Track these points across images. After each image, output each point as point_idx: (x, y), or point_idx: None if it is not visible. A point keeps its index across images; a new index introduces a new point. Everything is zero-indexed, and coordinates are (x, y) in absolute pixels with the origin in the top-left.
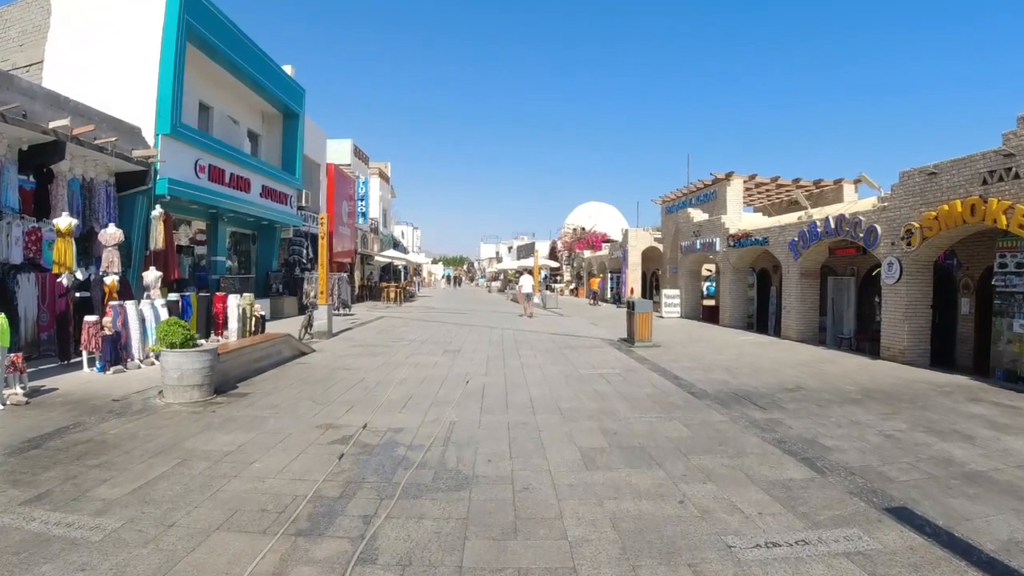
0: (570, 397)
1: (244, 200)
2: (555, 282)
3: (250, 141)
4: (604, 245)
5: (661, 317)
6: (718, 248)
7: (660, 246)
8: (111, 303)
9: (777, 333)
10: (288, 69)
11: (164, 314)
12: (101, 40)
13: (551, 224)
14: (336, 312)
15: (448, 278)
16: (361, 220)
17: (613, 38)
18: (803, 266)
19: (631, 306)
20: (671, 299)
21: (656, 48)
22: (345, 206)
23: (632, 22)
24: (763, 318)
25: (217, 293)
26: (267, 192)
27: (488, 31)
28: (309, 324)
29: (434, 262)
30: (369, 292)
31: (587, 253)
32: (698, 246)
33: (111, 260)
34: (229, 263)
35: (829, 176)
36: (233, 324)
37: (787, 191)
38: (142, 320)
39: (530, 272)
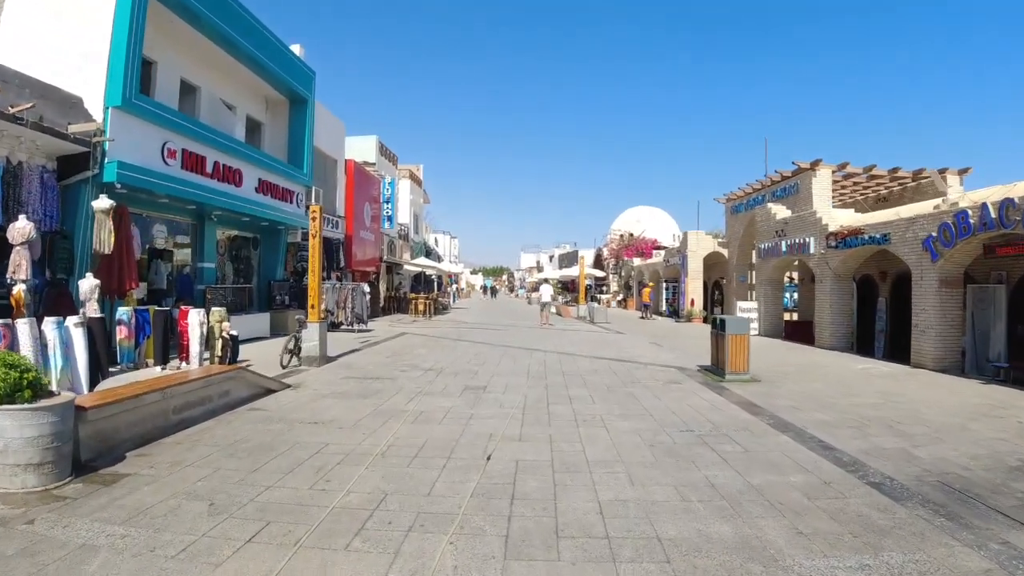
0: (671, 502)
1: (233, 195)
2: (600, 292)
3: (250, 130)
4: (655, 252)
5: None
6: (812, 250)
7: (724, 251)
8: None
9: (891, 356)
10: (296, 49)
11: (77, 337)
12: (54, 7)
13: (594, 231)
14: (349, 328)
15: (485, 288)
16: (387, 224)
17: (660, 41)
18: (944, 271)
19: (719, 325)
20: (747, 313)
21: (701, 47)
22: (368, 209)
23: (680, 25)
24: (865, 337)
25: (183, 307)
26: (265, 187)
27: (530, 38)
28: (296, 348)
29: (473, 272)
30: (396, 304)
31: (636, 261)
32: (783, 248)
33: (18, 263)
34: (224, 271)
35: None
36: (194, 347)
37: (878, 183)
38: (43, 346)
39: (547, 282)
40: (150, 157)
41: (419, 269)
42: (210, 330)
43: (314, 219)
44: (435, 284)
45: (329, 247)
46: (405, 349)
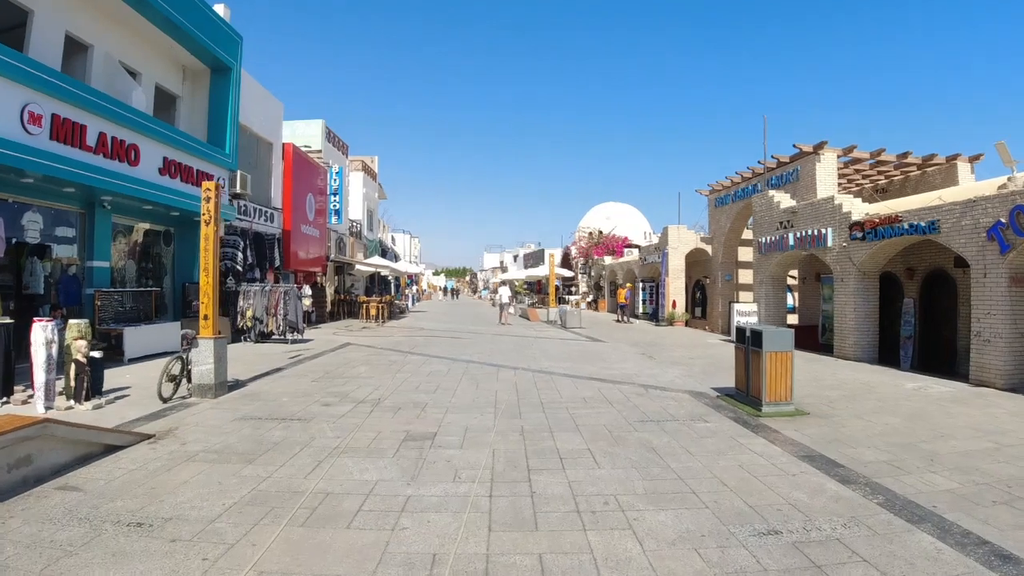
0: None
1: (128, 177)
2: (569, 293)
3: (162, 104)
4: (626, 251)
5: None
6: (831, 242)
7: (708, 248)
8: None
9: (922, 367)
10: (220, 9)
11: None
12: None
13: (561, 229)
14: (281, 339)
15: (446, 290)
16: (335, 220)
17: (625, 26)
18: (1015, 265)
19: (749, 339)
20: (745, 317)
21: (674, 32)
22: (311, 201)
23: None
24: (888, 344)
25: (37, 318)
26: (174, 168)
27: (496, 32)
28: (182, 372)
29: (435, 274)
30: (347, 308)
31: (608, 259)
32: (791, 242)
33: None
34: (124, 271)
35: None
36: (39, 375)
37: (880, 171)
38: None
39: (505, 283)
40: (3, 122)
41: (373, 270)
42: (65, 350)
43: (207, 199)
44: (392, 286)
45: (262, 244)
46: (341, 368)
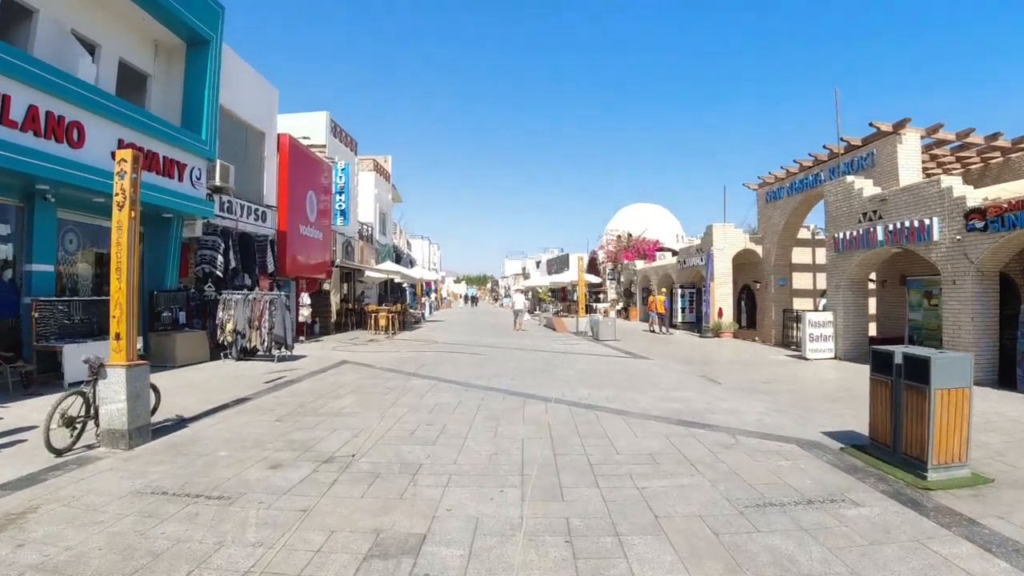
0: None
1: (69, 161)
2: (597, 300)
3: (131, 85)
4: (658, 254)
5: (806, 359)
6: (936, 235)
7: (758, 249)
8: None
9: None
10: None
11: None
12: None
13: (587, 234)
14: (267, 356)
15: (467, 298)
16: (341, 221)
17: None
18: None
19: (902, 369)
20: (819, 327)
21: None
22: (313, 200)
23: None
24: (1005, 360)
25: None
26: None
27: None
28: (87, 412)
29: (457, 281)
30: (357, 318)
31: (639, 264)
32: (880, 236)
33: None
34: (75, 276)
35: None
36: None
37: (956, 157)
38: None
39: (520, 291)
40: None
41: (385, 276)
42: None
43: (121, 174)
44: (407, 294)
45: (250, 246)
46: (321, 398)
